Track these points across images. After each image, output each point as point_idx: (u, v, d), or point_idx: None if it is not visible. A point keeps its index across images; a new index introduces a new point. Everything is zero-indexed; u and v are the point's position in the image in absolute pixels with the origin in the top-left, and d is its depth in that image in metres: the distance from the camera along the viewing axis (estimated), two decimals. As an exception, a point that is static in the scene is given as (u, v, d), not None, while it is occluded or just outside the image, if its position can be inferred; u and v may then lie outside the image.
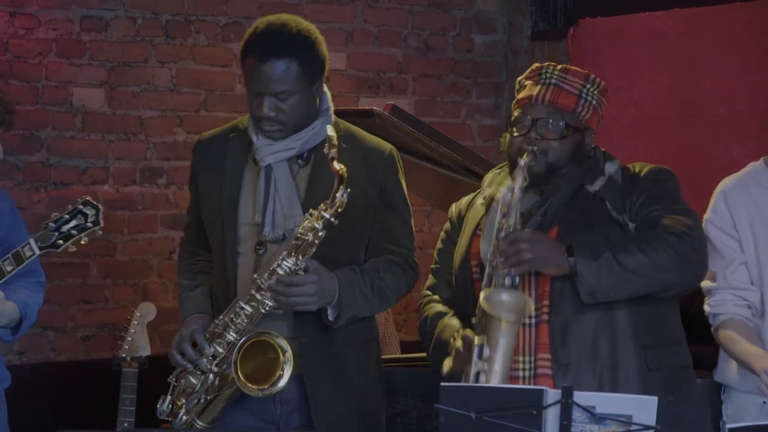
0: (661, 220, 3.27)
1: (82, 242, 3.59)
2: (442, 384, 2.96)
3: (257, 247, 3.52)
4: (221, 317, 3.47)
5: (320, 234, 3.37)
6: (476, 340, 3.16)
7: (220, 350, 3.46)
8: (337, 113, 3.96)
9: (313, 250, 3.39)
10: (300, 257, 3.38)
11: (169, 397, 3.53)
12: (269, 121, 3.48)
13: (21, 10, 5.46)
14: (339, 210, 3.36)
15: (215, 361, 3.46)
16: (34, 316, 3.80)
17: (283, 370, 3.39)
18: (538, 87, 3.33)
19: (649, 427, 2.82)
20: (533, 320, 3.25)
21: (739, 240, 3.59)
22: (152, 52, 5.74)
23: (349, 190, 3.35)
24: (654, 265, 3.20)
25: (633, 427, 2.82)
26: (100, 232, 3.62)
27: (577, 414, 2.84)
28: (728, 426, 2.85)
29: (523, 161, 3.25)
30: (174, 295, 5.72)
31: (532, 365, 3.25)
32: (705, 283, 3.59)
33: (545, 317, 3.26)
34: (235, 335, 3.44)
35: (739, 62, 5.67)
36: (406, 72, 6.37)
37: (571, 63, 6.32)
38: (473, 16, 6.54)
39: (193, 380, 3.48)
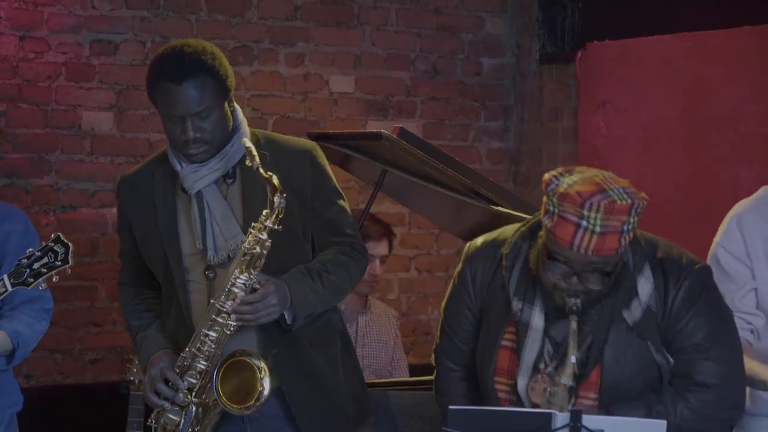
0: (694, 371, 3.17)
1: (53, 280, 3.56)
2: (450, 407, 2.95)
3: (206, 272, 3.51)
4: (187, 349, 3.45)
5: (267, 244, 3.38)
6: None
7: (194, 381, 3.44)
8: (345, 136, 3.96)
9: (263, 261, 3.39)
10: (252, 271, 3.39)
11: None
12: (195, 143, 3.45)
13: (31, 34, 5.48)
14: (280, 216, 3.37)
15: (193, 393, 3.45)
16: (31, 344, 3.78)
17: (262, 385, 3.39)
18: (580, 233, 3.03)
19: (658, 451, 2.81)
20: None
21: (752, 267, 3.56)
22: (161, 75, 5.75)
23: (285, 195, 3.36)
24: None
25: (642, 451, 2.81)
26: (69, 271, 3.57)
27: (585, 438, 2.83)
28: (737, 450, 2.84)
29: (572, 331, 3.09)
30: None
31: None
32: None
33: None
34: (206, 363, 3.43)
35: (748, 85, 5.67)
36: (414, 95, 6.38)
37: (579, 85, 6.34)
38: (481, 39, 6.55)
39: (173, 417, 3.46)
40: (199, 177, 3.49)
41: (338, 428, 3.59)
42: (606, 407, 3.13)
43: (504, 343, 3.22)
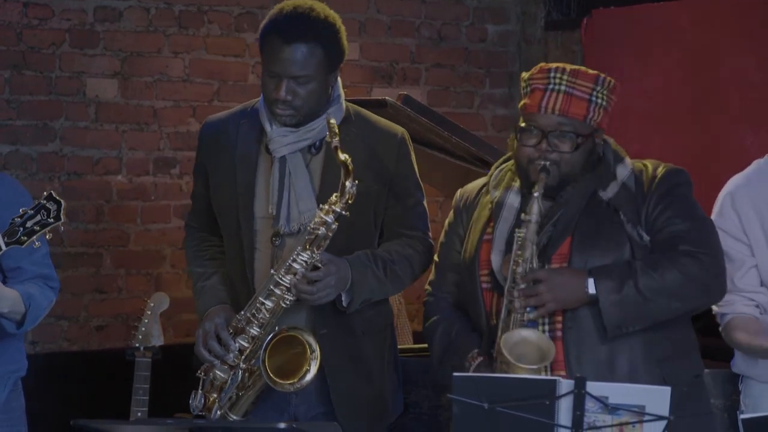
0: (678, 241, 3.23)
1: (47, 237, 3.55)
2: (455, 374, 2.96)
3: (273, 238, 3.50)
4: (243, 312, 3.46)
5: (333, 227, 3.36)
6: None
7: (246, 345, 3.45)
8: (350, 103, 3.94)
9: (327, 242, 3.38)
10: (315, 250, 3.38)
11: (200, 392, 3.53)
12: (284, 104, 3.43)
13: (35, 0, 5.47)
14: (349, 202, 3.35)
15: (242, 357, 3.46)
16: (41, 310, 3.77)
17: (309, 365, 3.40)
18: (547, 94, 3.22)
19: (662, 418, 2.81)
20: (547, 335, 3.22)
21: (749, 244, 3.54)
22: (165, 42, 5.74)
23: (357, 181, 3.34)
24: (676, 294, 3.19)
25: (646, 418, 2.82)
26: (62, 228, 3.56)
27: (589, 404, 2.84)
28: (742, 417, 2.84)
29: (537, 191, 3.18)
30: (187, 285, 5.72)
31: None
32: None
33: (559, 333, 3.23)
34: (258, 330, 3.44)
35: (754, 52, 5.66)
36: (418, 62, 6.36)
37: (584, 52, 6.32)
38: (486, 5, 6.53)
39: (221, 374, 3.48)
40: (287, 142, 3.48)
41: (374, 417, 3.59)
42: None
43: (486, 237, 3.32)
